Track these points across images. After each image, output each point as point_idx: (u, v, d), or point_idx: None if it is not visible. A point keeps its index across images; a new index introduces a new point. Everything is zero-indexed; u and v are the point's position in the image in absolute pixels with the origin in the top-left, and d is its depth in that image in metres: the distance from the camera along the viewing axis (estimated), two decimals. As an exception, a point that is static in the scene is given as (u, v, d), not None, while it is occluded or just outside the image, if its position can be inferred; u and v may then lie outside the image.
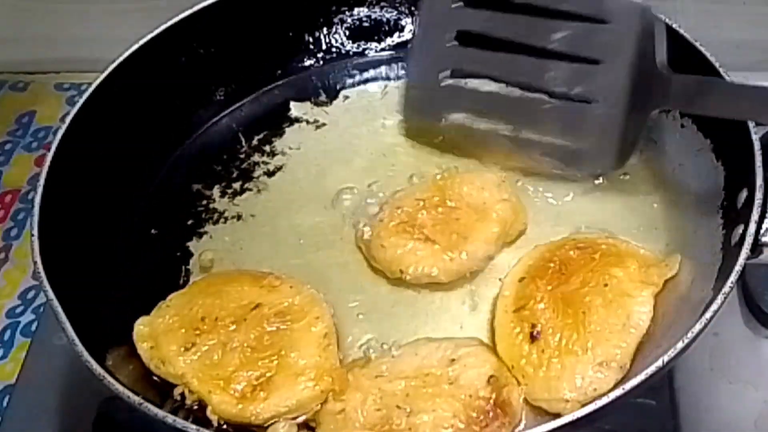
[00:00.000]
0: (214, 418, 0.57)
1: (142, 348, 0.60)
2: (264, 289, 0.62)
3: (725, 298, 0.54)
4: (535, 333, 0.58)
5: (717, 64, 0.64)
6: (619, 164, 0.66)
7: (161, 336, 0.60)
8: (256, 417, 0.57)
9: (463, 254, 0.63)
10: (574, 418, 0.50)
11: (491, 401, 0.56)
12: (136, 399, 0.53)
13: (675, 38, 0.67)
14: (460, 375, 0.57)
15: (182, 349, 0.59)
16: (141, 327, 0.61)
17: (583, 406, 0.51)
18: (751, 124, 0.60)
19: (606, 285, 0.59)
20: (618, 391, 0.51)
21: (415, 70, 0.72)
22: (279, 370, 0.58)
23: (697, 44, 0.66)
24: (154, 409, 0.52)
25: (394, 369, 0.59)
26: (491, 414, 0.55)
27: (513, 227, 0.65)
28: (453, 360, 0.58)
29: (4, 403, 0.75)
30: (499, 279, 0.63)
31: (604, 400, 0.50)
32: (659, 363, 0.52)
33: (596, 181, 0.69)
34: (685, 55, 0.66)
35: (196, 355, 0.59)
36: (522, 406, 0.57)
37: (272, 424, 0.57)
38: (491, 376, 0.57)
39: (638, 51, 0.63)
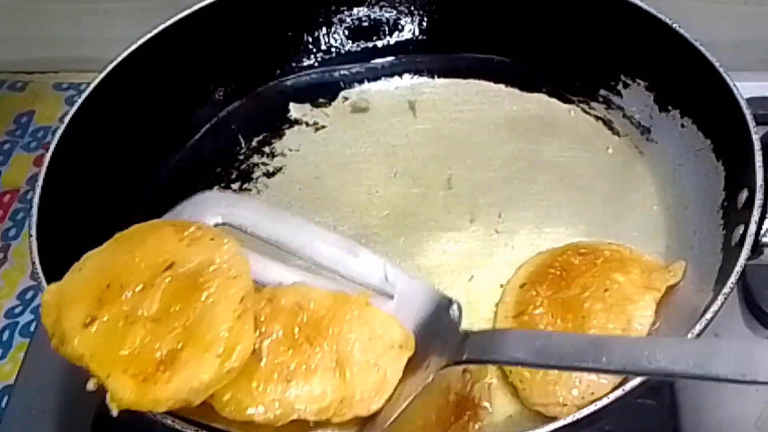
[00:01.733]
0: (113, 408, 0.48)
1: (47, 323, 0.51)
2: (183, 243, 0.53)
3: (725, 298, 0.53)
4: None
5: (717, 64, 0.64)
6: None
7: (64, 308, 0.51)
8: (156, 403, 0.48)
9: None
10: (575, 419, 0.50)
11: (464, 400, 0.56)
12: (135, 399, 0.52)
13: (675, 38, 0.67)
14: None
15: (83, 324, 0.50)
16: (47, 297, 0.52)
17: (581, 410, 0.51)
18: (751, 124, 0.60)
19: (606, 290, 0.58)
20: (618, 392, 0.50)
21: None
22: (186, 345, 0.49)
23: (697, 44, 0.66)
24: (153, 410, 0.52)
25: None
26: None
27: None
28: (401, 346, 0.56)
29: (3, 404, 0.74)
30: (501, 285, 0.63)
31: (604, 401, 0.50)
32: (659, 363, 0.51)
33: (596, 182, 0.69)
34: (685, 55, 0.66)
35: (95, 332, 0.49)
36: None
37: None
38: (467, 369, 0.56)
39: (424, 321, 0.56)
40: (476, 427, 0.56)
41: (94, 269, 0.53)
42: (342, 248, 0.58)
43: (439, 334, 0.53)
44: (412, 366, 0.53)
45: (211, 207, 0.59)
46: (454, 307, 0.54)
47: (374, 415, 0.52)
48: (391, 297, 0.56)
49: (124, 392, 0.48)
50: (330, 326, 0.53)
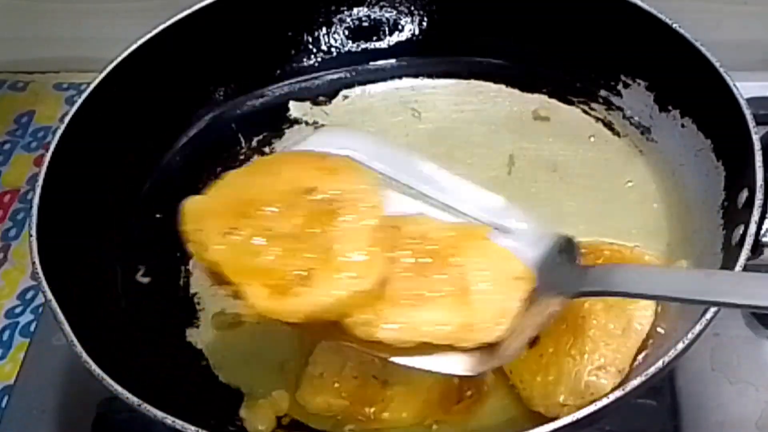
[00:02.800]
0: (249, 312, 0.51)
1: (187, 231, 0.53)
2: (324, 171, 0.55)
3: (728, 299, 0.53)
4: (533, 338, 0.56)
5: (717, 64, 0.64)
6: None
7: (206, 218, 0.53)
8: (290, 314, 0.50)
9: None
10: (575, 419, 0.49)
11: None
12: (135, 400, 0.52)
13: (675, 38, 0.67)
14: None
15: (223, 233, 0.51)
16: (189, 206, 0.54)
17: (581, 409, 0.51)
18: (751, 124, 0.60)
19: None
20: (618, 392, 0.50)
21: None
22: (321, 265, 0.50)
23: (697, 44, 0.66)
24: (153, 410, 0.52)
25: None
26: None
27: None
28: None
29: (3, 404, 0.74)
30: None
31: (605, 401, 0.50)
32: (659, 364, 0.51)
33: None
34: (686, 55, 0.66)
35: (236, 242, 0.51)
36: None
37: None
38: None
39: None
40: (477, 408, 0.57)
41: (235, 186, 0.55)
42: (461, 185, 0.59)
43: (558, 270, 0.54)
44: (532, 300, 0.53)
45: (336, 140, 0.60)
46: (573, 242, 0.55)
47: (496, 345, 0.52)
48: (508, 233, 0.57)
49: (260, 300, 0.49)
50: (453, 255, 0.53)
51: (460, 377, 0.55)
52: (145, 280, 0.67)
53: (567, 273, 0.53)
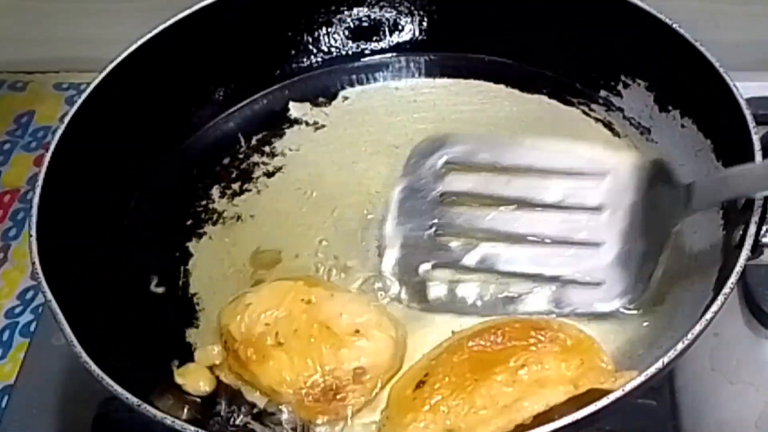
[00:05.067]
0: None
1: None
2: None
3: (725, 299, 0.53)
4: (423, 378, 0.56)
5: (717, 64, 0.64)
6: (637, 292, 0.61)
7: None
8: None
9: None
10: (574, 419, 0.49)
11: (336, 386, 0.57)
12: (134, 400, 0.52)
13: (675, 38, 0.67)
14: (346, 346, 0.58)
15: None
16: None
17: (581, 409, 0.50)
18: (751, 125, 0.60)
19: (524, 366, 0.55)
20: (618, 393, 0.50)
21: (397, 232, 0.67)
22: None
23: (697, 44, 0.66)
24: (152, 410, 0.52)
25: (319, 305, 0.60)
26: (324, 397, 0.57)
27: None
28: (358, 331, 0.59)
29: (3, 404, 0.74)
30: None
31: (604, 402, 0.50)
32: (659, 364, 0.51)
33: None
34: (686, 56, 0.66)
35: None
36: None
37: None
38: (360, 368, 0.57)
39: (643, 191, 0.63)
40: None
41: None
42: (558, 146, 0.66)
43: (665, 194, 0.61)
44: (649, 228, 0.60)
45: (434, 150, 0.68)
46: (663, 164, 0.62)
47: None
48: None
49: None
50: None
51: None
52: (145, 280, 0.67)
53: (675, 194, 0.59)
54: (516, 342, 0.56)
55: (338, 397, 0.58)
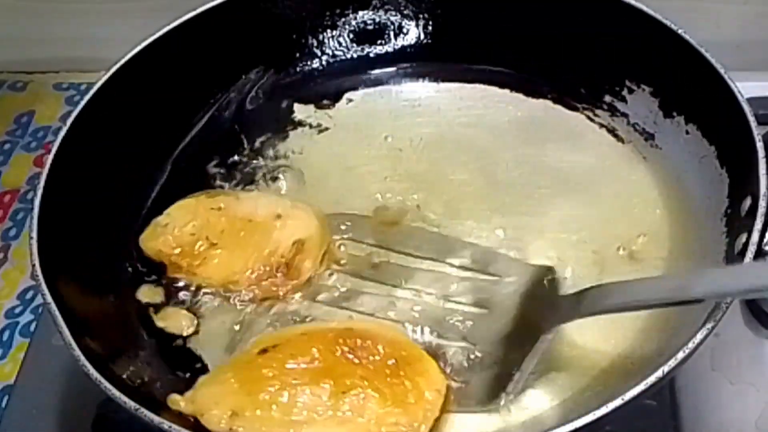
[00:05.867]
0: None
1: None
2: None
3: (727, 307, 0.53)
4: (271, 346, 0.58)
5: (722, 71, 0.64)
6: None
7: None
8: None
9: None
10: (574, 427, 0.50)
11: (284, 263, 0.63)
12: (132, 404, 0.52)
13: (674, 38, 0.67)
14: (275, 231, 0.64)
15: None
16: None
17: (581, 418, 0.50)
18: (755, 131, 0.60)
19: (348, 392, 0.56)
20: (618, 401, 0.51)
21: None
22: None
23: (702, 50, 0.66)
24: (150, 415, 0.52)
25: (231, 208, 0.66)
26: (278, 274, 0.63)
27: None
28: (279, 215, 0.65)
29: (3, 404, 0.74)
30: None
31: (603, 410, 0.50)
32: (659, 373, 0.52)
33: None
34: (690, 61, 0.66)
35: None
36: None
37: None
38: (298, 240, 0.63)
39: (524, 303, 0.62)
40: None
41: None
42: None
43: (544, 301, 0.60)
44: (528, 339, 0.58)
45: None
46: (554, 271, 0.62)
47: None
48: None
49: None
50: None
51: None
52: (147, 283, 0.67)
53: (553, 303, 0.58)
54: (366, 360, 0.57)
55: (290, 270, 0.63)
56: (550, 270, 0.63)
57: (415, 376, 0.57)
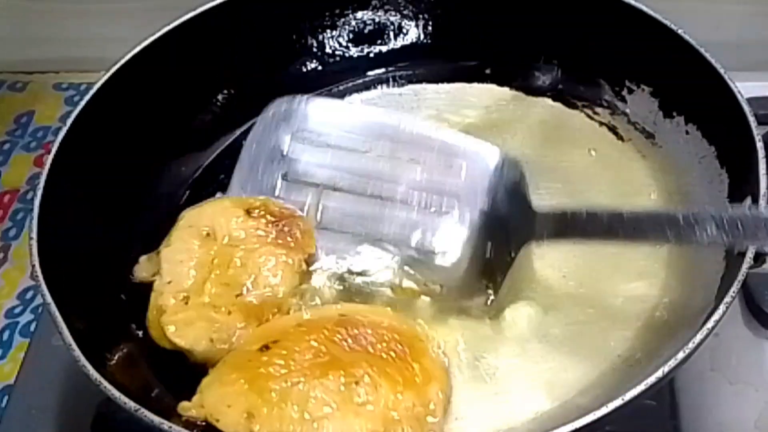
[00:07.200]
0: None
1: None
2: None
3: (727, 307, 0.54)
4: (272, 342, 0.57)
5: (722, 71, 0.64)
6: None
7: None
8: None
9: None
10: (574, 428, 0.50)
11: None
12: (132, 405, 0.52)
13: (674, 38, 0.67)
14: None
15: None
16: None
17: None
18: (755, 132, 0.60)
19: (358, 383, 0.55)
20: (617, 402, 0.51)
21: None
22: None
23: (702, 50, 0.66)
24: (150, 416, 0.52)
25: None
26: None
27: None
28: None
29: (3, 403, 0.75)
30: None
31: (603, 411, 0.50)
32: (659, 373, 0.52)
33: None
34: (685, 55, 0.66)
35: None
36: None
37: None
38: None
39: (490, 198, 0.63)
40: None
41: None
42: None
43: (514, 215, 0.62)
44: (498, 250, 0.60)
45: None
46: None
47: None
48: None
49: None
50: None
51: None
52: (146, 284, 0.67)
53: (523, 219, 0.60)
54: (369, 346, 0.57)
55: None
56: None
57: (419, 356, 0.57)
